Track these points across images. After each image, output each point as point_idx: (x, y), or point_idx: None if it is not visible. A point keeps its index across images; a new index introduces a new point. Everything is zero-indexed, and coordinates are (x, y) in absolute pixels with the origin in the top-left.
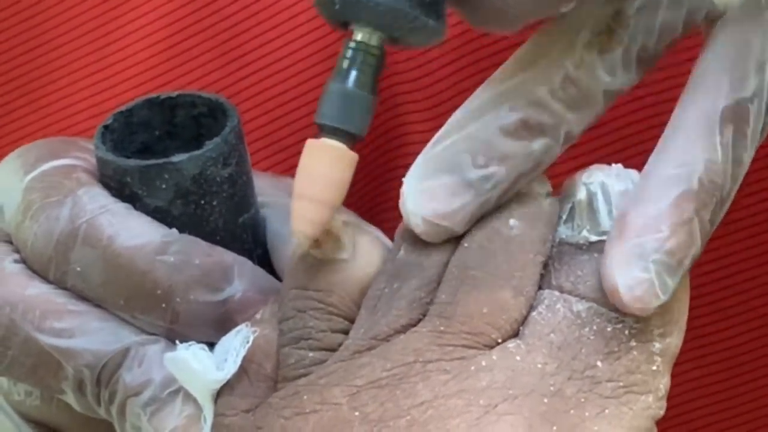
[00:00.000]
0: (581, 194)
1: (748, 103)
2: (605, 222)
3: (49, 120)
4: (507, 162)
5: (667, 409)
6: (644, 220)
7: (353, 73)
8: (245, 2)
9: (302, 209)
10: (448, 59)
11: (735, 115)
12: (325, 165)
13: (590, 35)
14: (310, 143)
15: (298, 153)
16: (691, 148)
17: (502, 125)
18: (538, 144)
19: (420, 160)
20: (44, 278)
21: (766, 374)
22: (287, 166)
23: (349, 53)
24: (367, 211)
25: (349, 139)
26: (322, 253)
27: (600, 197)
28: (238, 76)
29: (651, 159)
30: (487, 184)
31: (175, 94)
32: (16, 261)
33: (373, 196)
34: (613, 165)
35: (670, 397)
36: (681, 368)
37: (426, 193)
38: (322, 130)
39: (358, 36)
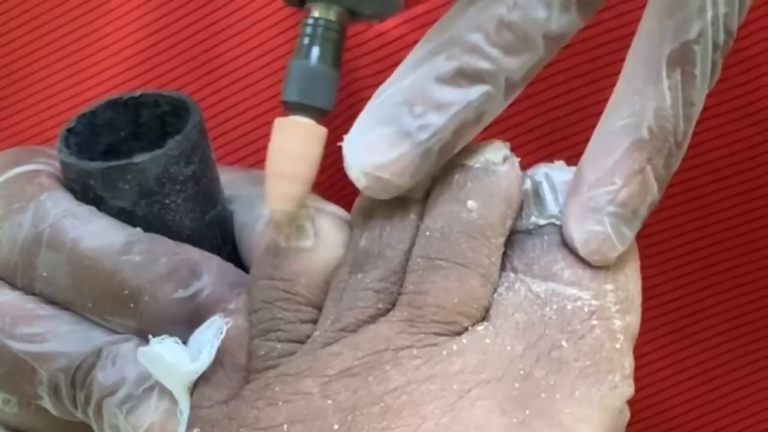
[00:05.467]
0: (526, 185)
1: (693, 45)
2: (552, 207)
3: (26, 124)
4: (445, 110)
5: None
6: (597, 173)
7: (315, 49)
8: (218, 4)
9: (276, 186)
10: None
11: (681, 58)
12: (296, 141)
13: None
14: (279, 121)
15: (265, 149)
16: (640, 97)
17: (438, 74)
18: (477, 91)
19: (360, 116)
20: (12, 285)
21: (736, 346)
22: (253, 162)
23: (309, 30)
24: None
25: (318, 114)
26: (285, 242)
27: (545, 185)
28: (208, 75)
29: (604, 112)
30: (426, 133)
31: (138, 93)
32: None
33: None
34: (556, 161)
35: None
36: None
37: (364, 146)
38: (289, 108)
39: (316, 13)
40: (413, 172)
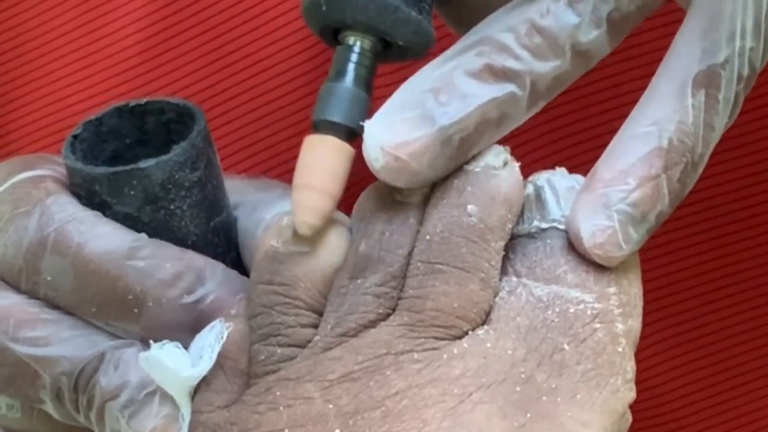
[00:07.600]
0: (529, 190)
1: (719, 69)
2: (555, 211)
3: (32, 125)
4: (469, 100)
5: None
6: (612, 173)
7: (349, 73)
8: (224, 7)
9: (304, 198)
10: None
11: (706, 80)
12: (326, 156)
13: None
14: (310, 138)
15: (273, 157)
16: (664, 109)
17: (466, 68)
18: (502, 89)
19: (385, 102)
20: (17, 289)
21: (728, 345)
22: (261, 170)
23: (343, 55)
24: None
25: (348, 134)
26: (284, 247)
27: (547, 190)
28: (216, 79)
29: (627, 119)
30: (449, 119)
31: (143, 101)
32: None
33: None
34: (557, 168)
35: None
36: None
37: (386, 127)
38: (319, 127)
39: (350, 40)
40: (431, 159)
